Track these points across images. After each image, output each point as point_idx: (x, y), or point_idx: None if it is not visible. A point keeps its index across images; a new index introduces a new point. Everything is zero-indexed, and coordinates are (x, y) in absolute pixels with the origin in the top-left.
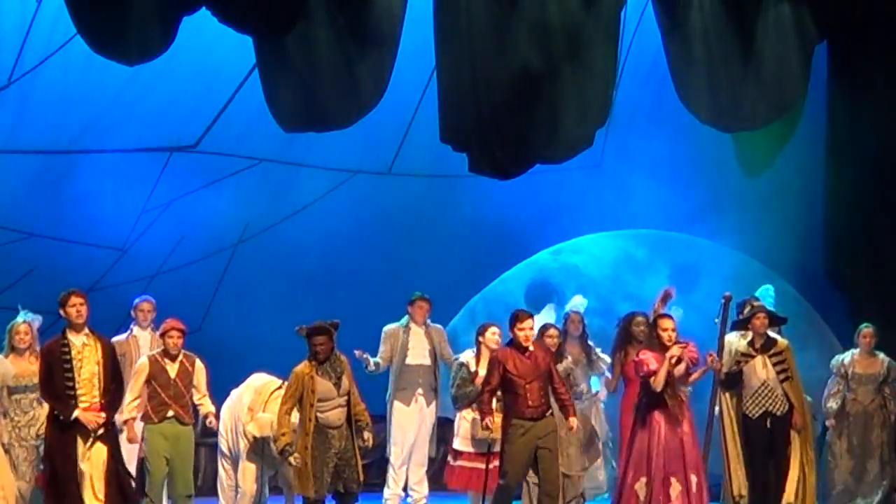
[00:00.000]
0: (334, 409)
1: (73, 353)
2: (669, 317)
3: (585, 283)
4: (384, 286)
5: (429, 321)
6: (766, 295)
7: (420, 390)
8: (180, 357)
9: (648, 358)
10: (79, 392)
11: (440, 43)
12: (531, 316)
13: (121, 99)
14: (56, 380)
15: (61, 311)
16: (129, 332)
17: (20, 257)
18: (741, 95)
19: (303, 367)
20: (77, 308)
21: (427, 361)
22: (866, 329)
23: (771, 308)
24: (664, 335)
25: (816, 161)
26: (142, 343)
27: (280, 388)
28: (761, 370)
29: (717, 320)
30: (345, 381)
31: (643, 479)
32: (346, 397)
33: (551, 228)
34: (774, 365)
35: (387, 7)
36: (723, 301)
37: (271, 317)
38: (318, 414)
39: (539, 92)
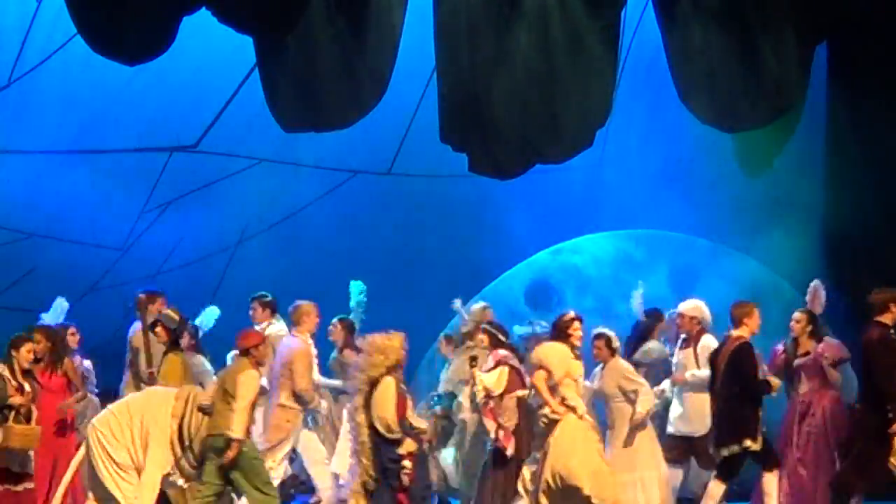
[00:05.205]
0: None
1: None
2: None
3: (585, 283)
4: (384, 286)
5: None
6: None
7: None
8: None
9: None
10: None
11: (440, 43)
12: None
13: (121, 99)
14: None
15: None
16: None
17: (20, 257)
18: (741, 95)
19: None
20: None
21: None
22: None
23: None
24: None
25: (816, 161)
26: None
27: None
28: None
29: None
30: None
31: None
32: None
33: (551, 228)
34: None
35: (387, 7)
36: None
37: None
38: None
39: (539, 92)
